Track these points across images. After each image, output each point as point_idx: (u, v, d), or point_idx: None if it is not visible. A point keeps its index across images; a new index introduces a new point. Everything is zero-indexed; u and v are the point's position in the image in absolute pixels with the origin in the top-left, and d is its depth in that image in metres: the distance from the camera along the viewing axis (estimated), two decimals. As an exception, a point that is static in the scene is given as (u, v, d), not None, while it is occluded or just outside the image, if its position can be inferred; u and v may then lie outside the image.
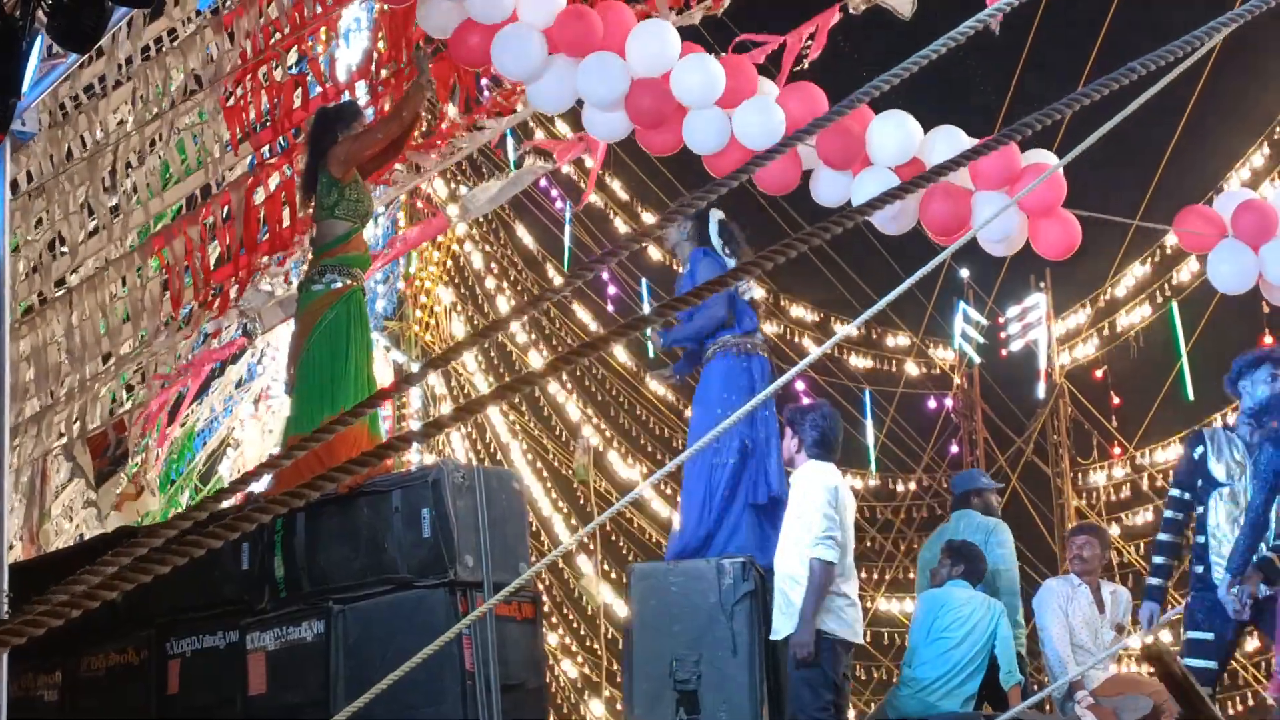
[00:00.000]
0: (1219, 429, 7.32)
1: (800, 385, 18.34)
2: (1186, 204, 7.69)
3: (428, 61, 7.84)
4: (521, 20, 7.47)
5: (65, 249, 10.72)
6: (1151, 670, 6.93)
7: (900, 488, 23.52)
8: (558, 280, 20.97)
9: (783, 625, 6.89)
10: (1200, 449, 7.17)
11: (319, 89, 10.27)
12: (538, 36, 7.45)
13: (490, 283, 22.46)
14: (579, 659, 23.75)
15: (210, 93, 10.09)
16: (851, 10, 8.50)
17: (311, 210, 7.84)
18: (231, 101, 10.00)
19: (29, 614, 2.26)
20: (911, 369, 23.36)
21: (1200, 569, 7.10)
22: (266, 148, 10.31)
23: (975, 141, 7.06)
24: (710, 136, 7.41)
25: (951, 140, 7.29)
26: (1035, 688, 8.55)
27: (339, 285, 7.51)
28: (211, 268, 10.06)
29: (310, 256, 7.85)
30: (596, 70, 7.39)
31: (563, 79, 7.52)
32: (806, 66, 8.41)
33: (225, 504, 2.40)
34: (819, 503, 6.89)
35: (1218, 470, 7.11)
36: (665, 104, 7.41)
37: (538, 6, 7.49)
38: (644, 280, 20.88)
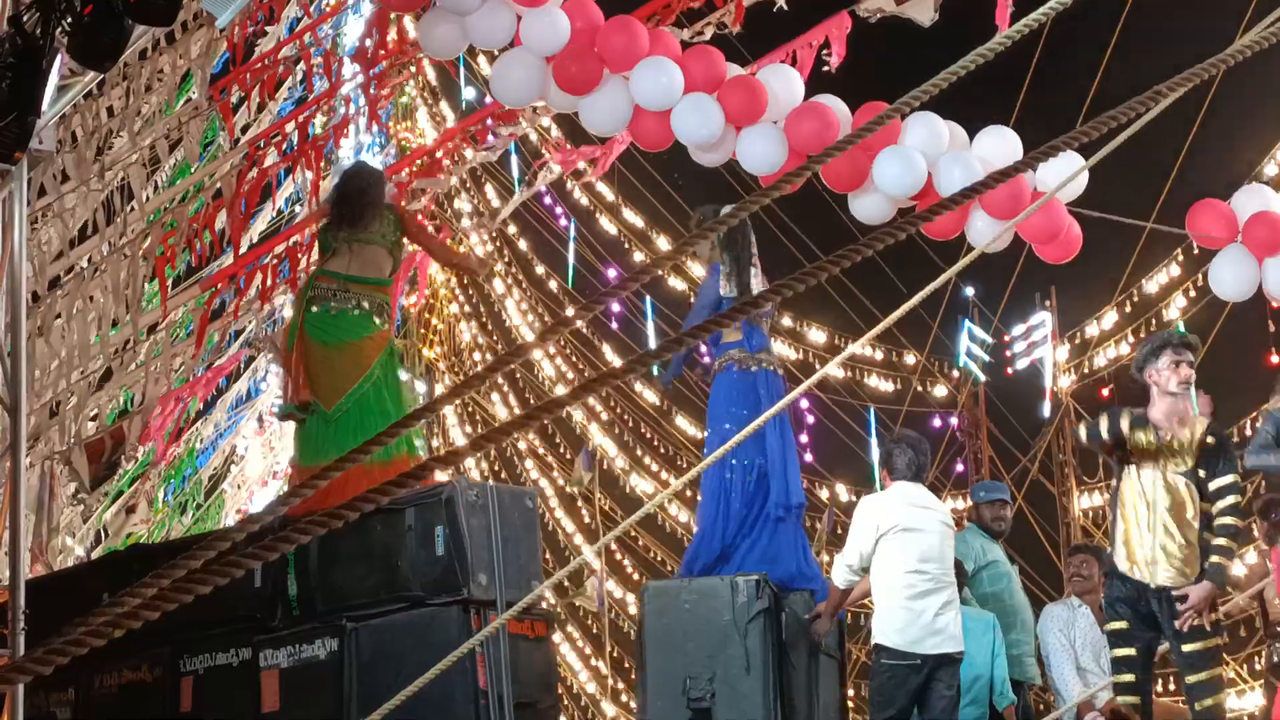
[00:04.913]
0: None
1: (805, 404, 18.30)
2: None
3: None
4: (525, 46, 7.50)
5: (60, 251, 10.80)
6: None
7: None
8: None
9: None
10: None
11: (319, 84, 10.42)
12: (539, 66, 7.49)
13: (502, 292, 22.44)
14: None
15: (204, 88, 10.20)
16: (863, 16, 8.51)
17: (357, 234, 7.50)
18: (224, 95, 10.12)
19: (57, 642, 2.26)
20: (917, 388, 23.32)
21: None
22: (261, 141, 10.42)
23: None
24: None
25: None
26: (1044, 710, 8.50)
27: (385, 329, 7.53)
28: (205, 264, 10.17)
29: (347, 279, 7.46)
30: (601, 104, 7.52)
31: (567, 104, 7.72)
32: (834, 71, 8.44)
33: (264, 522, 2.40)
34: (855, 525, 7.10)
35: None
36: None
37: (540, 34, 7.46)
38: (648, 299, 20.82)
